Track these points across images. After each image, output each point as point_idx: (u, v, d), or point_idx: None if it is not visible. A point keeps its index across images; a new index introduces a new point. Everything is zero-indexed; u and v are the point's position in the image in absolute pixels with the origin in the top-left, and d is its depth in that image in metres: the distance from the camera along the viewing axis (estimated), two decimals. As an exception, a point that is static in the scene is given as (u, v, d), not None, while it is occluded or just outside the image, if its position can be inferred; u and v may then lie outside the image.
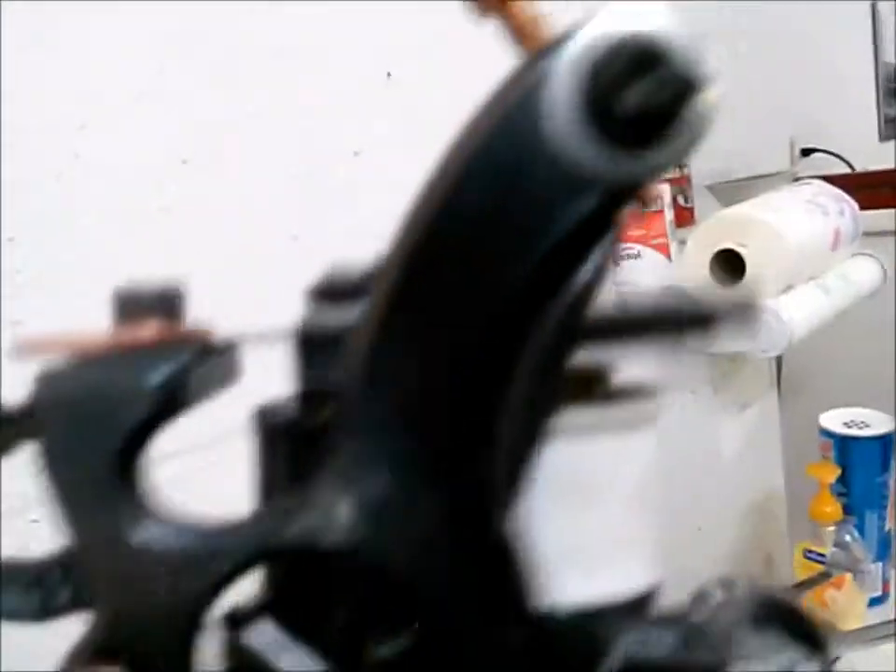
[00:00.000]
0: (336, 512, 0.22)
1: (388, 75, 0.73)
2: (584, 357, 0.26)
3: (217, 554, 0.23)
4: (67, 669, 0.25)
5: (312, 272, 0.68)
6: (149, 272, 0.34)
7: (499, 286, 0.21)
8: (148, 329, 0.25)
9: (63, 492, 0.24)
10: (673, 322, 0.26)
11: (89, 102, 0.56)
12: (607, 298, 0.26)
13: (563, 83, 0.20)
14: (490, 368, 0.22)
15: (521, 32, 0.24)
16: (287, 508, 0.23)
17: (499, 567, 0.22)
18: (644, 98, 0.19)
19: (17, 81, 0.53)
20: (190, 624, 0.23)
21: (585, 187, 0.20)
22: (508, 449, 0.22)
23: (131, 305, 0.26)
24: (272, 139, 0.66)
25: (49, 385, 0.24)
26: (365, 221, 0.70)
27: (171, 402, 0.24)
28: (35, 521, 0.55)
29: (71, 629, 0.54)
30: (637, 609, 0.25)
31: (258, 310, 0.64)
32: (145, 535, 0.23)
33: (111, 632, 0.24)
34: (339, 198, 0.70)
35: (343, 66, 0.70)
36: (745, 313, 0.25)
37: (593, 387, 0.26)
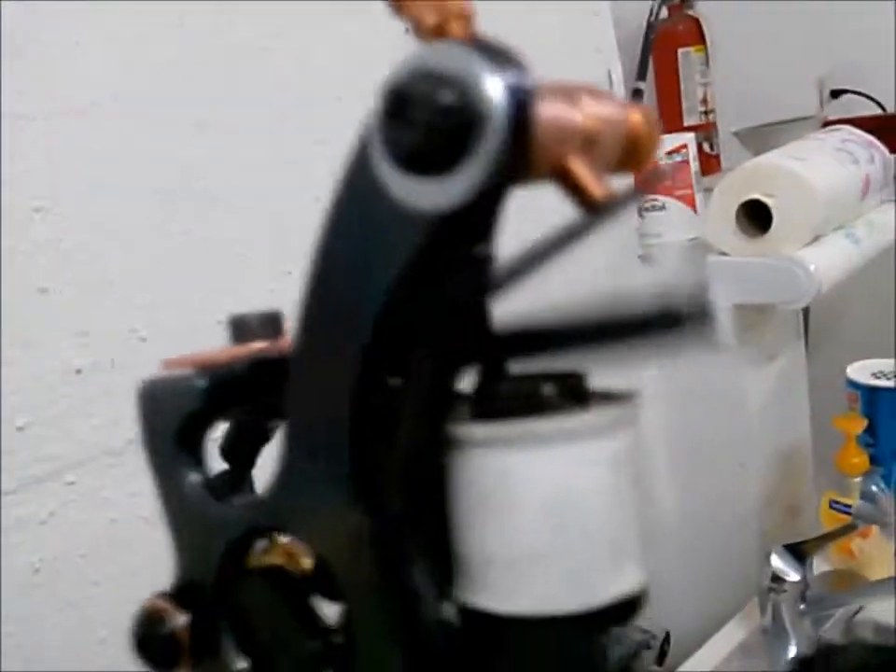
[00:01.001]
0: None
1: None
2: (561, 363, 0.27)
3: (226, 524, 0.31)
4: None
5: None
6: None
7: (364, 317, 0.24)
8: (248, 348, 0.33)
9: (150, 460, 0.34)
10: (635, 328, 0.26)
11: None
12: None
13: (373, 129, 0.22)
14: (359, 387, 0.25)
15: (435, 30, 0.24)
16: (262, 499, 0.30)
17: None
18: (426, 130, 0.21)
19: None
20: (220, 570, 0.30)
21: (409, 220, 0.22)
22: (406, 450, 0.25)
23: (242, 328, 0.35)
24: (290, 106, 0.66)
25: (145, 386, 0.34)
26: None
27: (216, 401, 0.31)
28: (70, 483, 0.56)
29: (69, 629, 0.55)
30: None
31: (284, 269, 0.64)
32: (191, 496, 0.32)
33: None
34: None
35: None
36: (704, 316, 0.25)
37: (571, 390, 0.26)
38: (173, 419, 0.31)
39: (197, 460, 0.32)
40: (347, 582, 0.26)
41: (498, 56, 0.21)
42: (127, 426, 0.58)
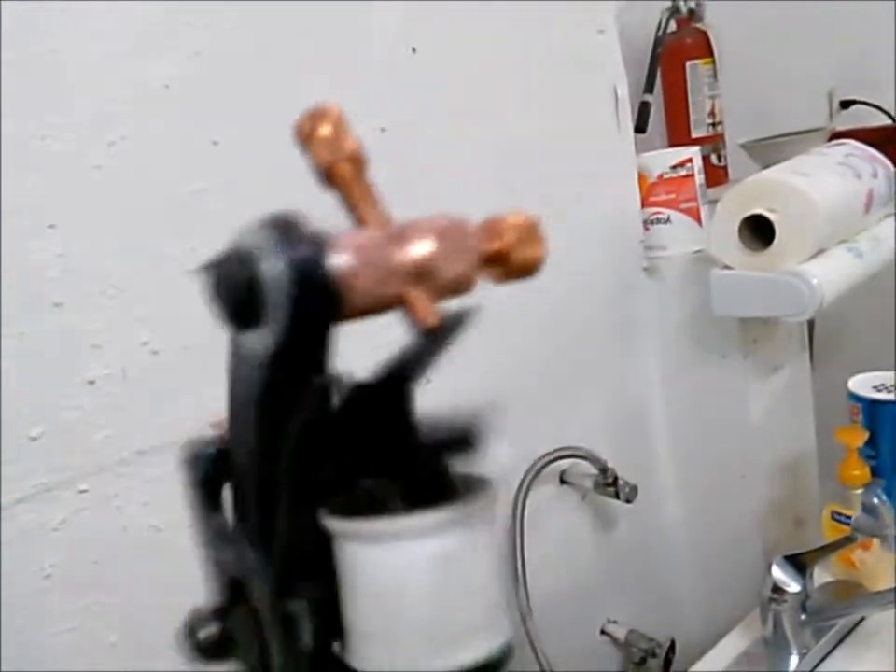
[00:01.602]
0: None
1: (413, 50, 0.74)
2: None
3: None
4: None
5: None
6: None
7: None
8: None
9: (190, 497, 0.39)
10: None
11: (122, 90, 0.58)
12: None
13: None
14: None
15: (357, 208, 0.28)
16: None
17: None
18: (228, 299, 0.27)
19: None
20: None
21: (254, 360, 0.29)
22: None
23: None
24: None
25: (185, 446, 0.39)
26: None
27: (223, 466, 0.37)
28: (83, 491, 0.58)
29: (80, 634, 0.56)
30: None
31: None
32: (207, 538, 0.39)
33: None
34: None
35: (367, 41, 0.71)
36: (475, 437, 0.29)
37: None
38: (195, 476, 0.38)
39: (215, 508, 0.38)
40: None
41: (291, 232, 0.26)
42: (138, 437, 0.60)
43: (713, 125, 1.17)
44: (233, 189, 0.63)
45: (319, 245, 0.26)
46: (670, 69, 1.13)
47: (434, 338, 0.27)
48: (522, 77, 0.83)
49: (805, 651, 0.73)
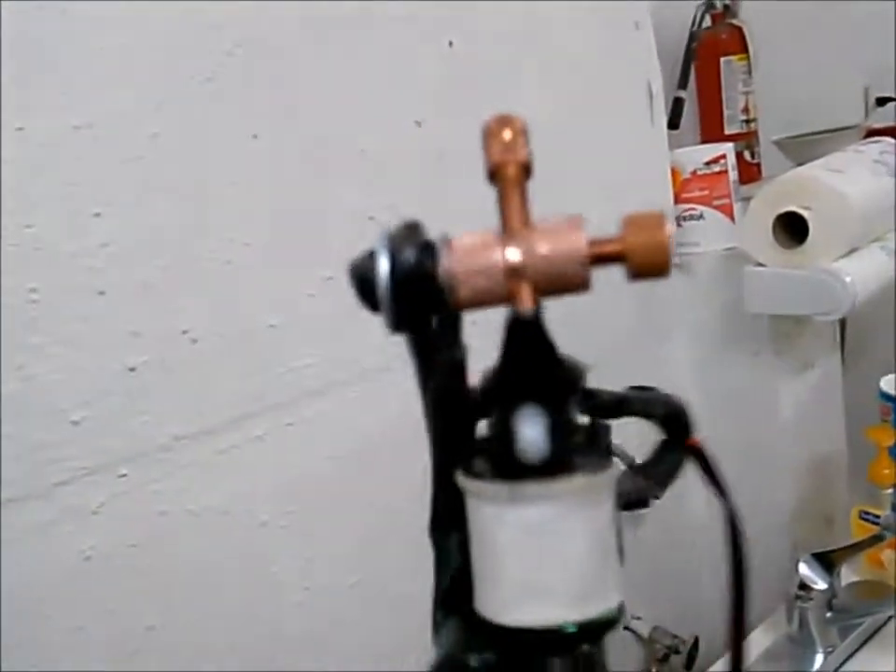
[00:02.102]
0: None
1: (450, 44, 0.74)
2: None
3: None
4: None
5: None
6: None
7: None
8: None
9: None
10: None
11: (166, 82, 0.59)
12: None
13: None
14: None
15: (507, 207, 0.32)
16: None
17: None
18: (359, 292, 0.33)
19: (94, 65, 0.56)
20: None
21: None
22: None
23: None
24: (335, 113, 0.68)
25: None
26: (429, 194, 0.72)
27: None
28: (122, 475, 0.59)
29: (118, 616, 0.57)
30: None
31: (325, 275, 0.67)
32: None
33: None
34: (402, 170, 0.72)
35: (405, 35, 0.72)
36: None
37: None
38: None
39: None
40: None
41: (405, 234, 0.32)
42: (176, 423, 0.61)
43: (747, 122, 1.16)
44: (273, 183, 0.64)
45: (426, 247, 0.31)
46: (704, 64, 1.13)
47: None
48: (556, 72, 0.84)
49: (830, 649, 0.74)
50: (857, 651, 0.76)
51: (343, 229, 0.67)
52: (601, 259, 0.31)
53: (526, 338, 0.30)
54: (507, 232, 0.31)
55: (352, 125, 0.69)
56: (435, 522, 0.36)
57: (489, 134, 0.32)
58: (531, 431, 0.30)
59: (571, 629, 0.30)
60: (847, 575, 0.79)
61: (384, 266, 0.31)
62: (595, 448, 0.33)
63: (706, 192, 0.93)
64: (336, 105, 0.68)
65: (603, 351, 0.89)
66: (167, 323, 0.60)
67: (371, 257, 0.32)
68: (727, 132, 1.15)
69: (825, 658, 0.73)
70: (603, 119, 0.88)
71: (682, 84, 1.07)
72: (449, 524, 0.34)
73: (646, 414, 0.37)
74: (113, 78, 0.57)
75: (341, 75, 0.67)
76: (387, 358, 0.71)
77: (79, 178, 0.56)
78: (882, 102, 1.32)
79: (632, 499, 0.39)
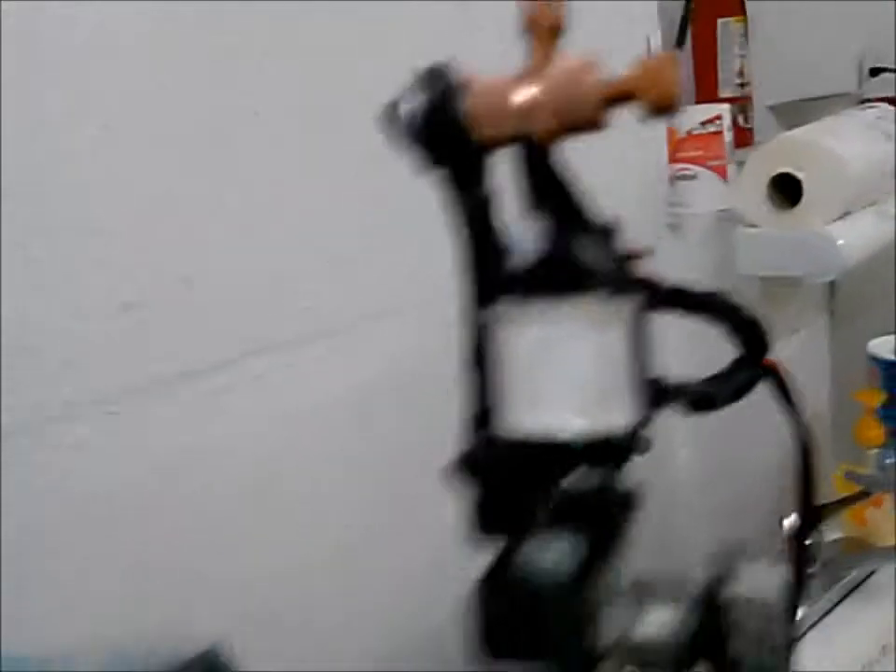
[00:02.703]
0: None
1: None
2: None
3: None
4: None
5: (367, 217, 0.70)
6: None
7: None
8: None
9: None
10: None
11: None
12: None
13: None
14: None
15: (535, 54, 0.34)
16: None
17: None
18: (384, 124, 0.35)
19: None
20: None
21: None
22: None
23: None
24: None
25: None
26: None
27: None
28: (113, 413, 0.59)
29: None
30: None
31: (317, 251, 0.66)
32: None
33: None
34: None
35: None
36: None
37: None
38: None
39: None
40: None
41: (431, 78, 0.34)
42: (168, 363, 0.60)
43: (741, 85, 1.16)
44: (268, 117, 0.63)
45: (448, 87, 0.33)
46: (701, 25, 1.12)
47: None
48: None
49: (812, 602, 0.75)
50: (838, 604, 0.77)
51: (344, 168, 0.66)
52: (614, 99, 0.32)
53: (542, 173, 0.32)
54: (525, 74, 0.33)
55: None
56: (468, 356, 0.36)
57: None
58: (521, 235, 0.33)
59: (575, 442, 0.32)
60: (829, 533, 0.80)
61: (407, 106, 0.33)
62: (615, 276, 0.34)
63: (700, 152, 0.93)
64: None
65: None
66: (163, 260, 0.59)
67: (394, 100, 0.33)
68: (721, 95, 1.14)
69: (807, 611, 0.75)
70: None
71: (679, 43, 1.06)
72: (478, 356, 0.35)
73: (718, 320, 0.40)
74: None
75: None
76: (387, 302, 0.70)
77: (78, 98, 0.54)
78: (876, 72, 1.32)
79: (696, 399, 0.41)
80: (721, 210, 0.92)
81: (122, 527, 0.59)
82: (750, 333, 0.40)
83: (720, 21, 1.11)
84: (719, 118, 0.93)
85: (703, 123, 0.92)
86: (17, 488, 0.54)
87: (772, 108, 1.15)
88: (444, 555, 0.77)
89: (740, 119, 1.16)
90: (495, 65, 0.36)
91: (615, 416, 0.33)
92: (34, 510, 0.55)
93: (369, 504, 0.72)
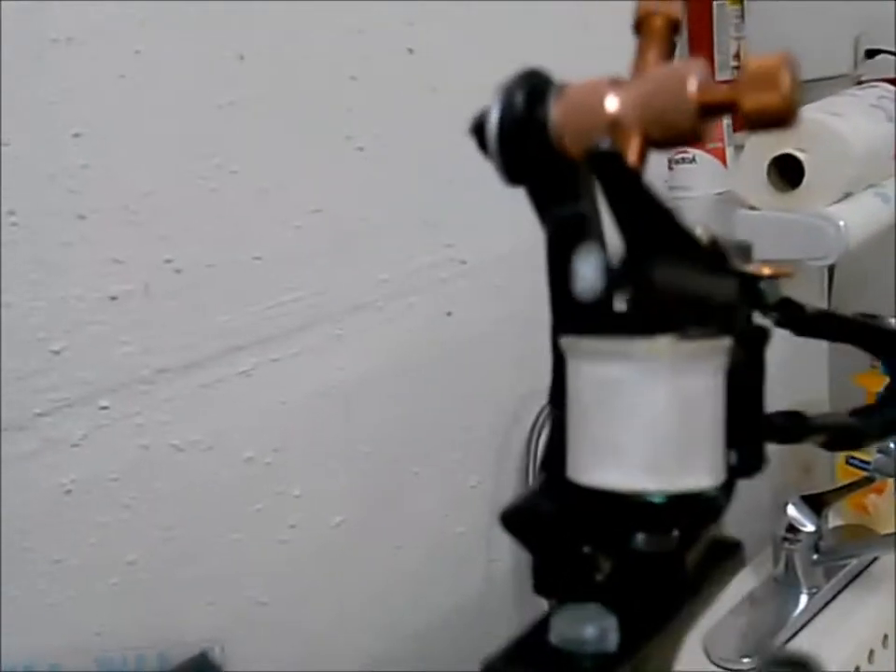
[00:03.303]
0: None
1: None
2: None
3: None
4: None
5: (369, 172, 0.69)
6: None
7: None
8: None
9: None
10: None
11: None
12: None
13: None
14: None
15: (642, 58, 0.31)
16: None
17: None
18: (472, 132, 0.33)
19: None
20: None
21: None
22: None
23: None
24: (329, 38, 0.65)
25: None
26: (433, 121, 0.70)
27: None
28: (104, 407, 0.57)
29: (98, 550, 0.56)
30: None
31: (312, 207, 0.64)
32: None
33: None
34: (394, 99, 0.69)
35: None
36: None
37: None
38: None
39: None
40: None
41: (520, 82, 0.31)
42: (159, 355, 0.59)
43: (738, 68, 1.14)
44: (260, 105, 0.61)
45: (537, 95, 0.31)
46: (697, 7, 1.10)
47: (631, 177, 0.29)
48: (549, 6, 0.81)
49: (814, 590, 0.74)
50: (840, 592, 0.76)
51: (330, 161, 0.65)
52: (712, 108, 0.28)
53: (623, 192, 0.28)
54: (619, 80, 0.30)
55: (344, 50, 0.66)
56: (551, 390, 0.33)
57: None
58: (587, 268, 0.29)
59: (656, 498, 0.28)
60: (831, 520, 0.79)
61: (494, 115, 0.31)
62: (712, 314, 0.30)
63: (698, 135, 0.91)
64: (325, 24, 0.65)
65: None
66: (150, 251, 0.58)
67: (485, 108, 0.31)
68: (718, 78, 1.12)
69: (810, 599, 0.74)
70: (596, 56, 0.86)
71: (675, 26, 1.04)
72: (559, 392, 0.32)
73: (869, 346, 0.35)
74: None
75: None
76: (375, 294, 0.69)
77: (58, 96, 0.53)
78: (872, 54, 1.31)
79: (837, 438, 0.36)
80: (720, 193, 0.91)
81: (112, 521, 0.58)
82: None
83: (715, 3, 1.09)
84: (716, 99, 0.91)
85: (700, 105, 0.90)
86: (6, 483, 0.53)
87: (768, 90, 1.14)
88: (437, 552, 0.76)
89: (736, 102, 1.14)
90: (607, 68, 0.33)
91: (698, 476, 0.29)
92: (16, 505, 0.54)
93: (360, 499, 0.71)
